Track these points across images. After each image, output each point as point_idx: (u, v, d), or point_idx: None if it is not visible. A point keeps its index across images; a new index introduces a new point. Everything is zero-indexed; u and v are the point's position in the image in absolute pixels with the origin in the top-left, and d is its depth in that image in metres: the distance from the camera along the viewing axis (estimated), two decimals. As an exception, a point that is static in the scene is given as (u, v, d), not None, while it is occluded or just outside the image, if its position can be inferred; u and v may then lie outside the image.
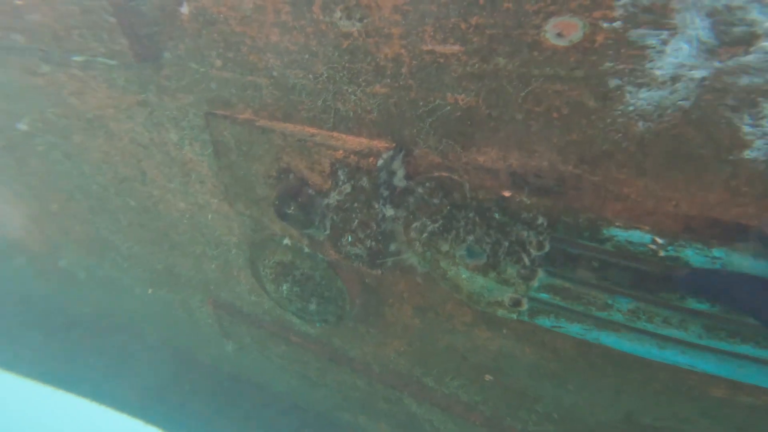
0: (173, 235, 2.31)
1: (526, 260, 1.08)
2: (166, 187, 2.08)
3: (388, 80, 1.22)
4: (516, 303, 1.17)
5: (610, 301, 1.01)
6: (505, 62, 0.99)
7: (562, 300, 1.10)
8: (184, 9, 1.45)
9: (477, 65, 1.04)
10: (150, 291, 2.84)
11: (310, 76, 1.35)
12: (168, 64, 1.63)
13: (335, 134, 1.41)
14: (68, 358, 3.68)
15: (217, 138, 1.62)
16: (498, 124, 1.09)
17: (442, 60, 1.08)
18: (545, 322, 1.18)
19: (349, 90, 1.30)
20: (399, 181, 1.31)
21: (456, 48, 1.06)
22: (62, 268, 3.27)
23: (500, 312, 1.23)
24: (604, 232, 0.94)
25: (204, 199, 2.02)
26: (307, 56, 1.31)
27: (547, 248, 1.04)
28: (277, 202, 1.49)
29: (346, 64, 1.26)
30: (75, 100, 2.04)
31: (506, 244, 1.09)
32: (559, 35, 0.88)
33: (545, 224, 1.01)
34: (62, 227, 2.88)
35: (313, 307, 1.84)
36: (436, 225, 1.22)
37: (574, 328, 1.13)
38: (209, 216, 2.07)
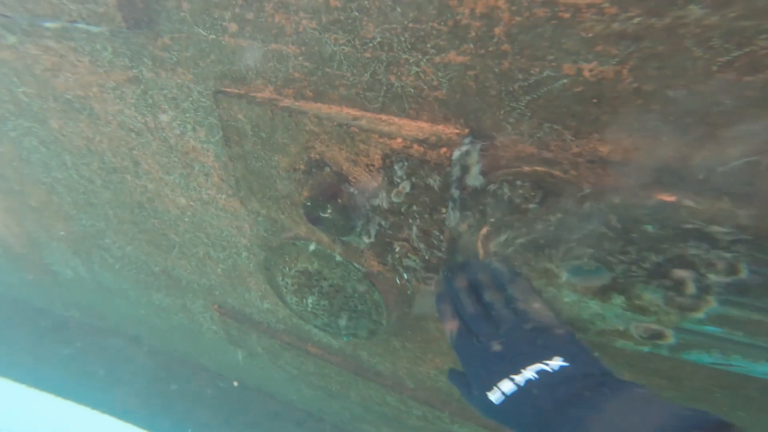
0: (172, 234, 2.00)
1: (692, 288, 0.79)
2: (164, 180, 1.76)
3: (471, 45, 0.91)
4: (656, 336, 0.89)
5: None
6: (700, 12, 0.69)
7: (745, 335, 0.82)
8: (186, -47, 1.12)
9: (636, 20, 0.73)
10: (150, 297, 2.55)
11: (357, 41, 1.03)
12: (167, 30, 1.29)
13: (384, 117, 1.10)
14: (58, 362, 3.41)
15: (228, 122, 1.30)
16: (650, 102, 0.79)
17: (567, 14, 0.77)
18: (703, 358, 0.89)
19: (411, 59, 0.99)
20: (474, 179, 1.01)
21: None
22: (47, 268, 2.95)
23: (621, 343, 0.95)
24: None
25: (209, 195, 1.70)
26: (355, 14, 0.99)
27: (744, 274, 0.74)
28: (309, 204, 1.18)
29: (410, 24, 0.95)
30: (50, 77, 1.69)
31: (656, 263, 0.80)
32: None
33: (744, 241, 0.72)
34: (44, 224, 2.56)
35: (343, 322, 1.56)
36: (533, 237, 0.92)
37: (760, 368, 0.85)
38: (215, 214, 1.77)
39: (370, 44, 1.02)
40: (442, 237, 1.06)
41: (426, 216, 1.05)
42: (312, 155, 1.19)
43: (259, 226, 1.66)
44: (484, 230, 1.00)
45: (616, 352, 1.07)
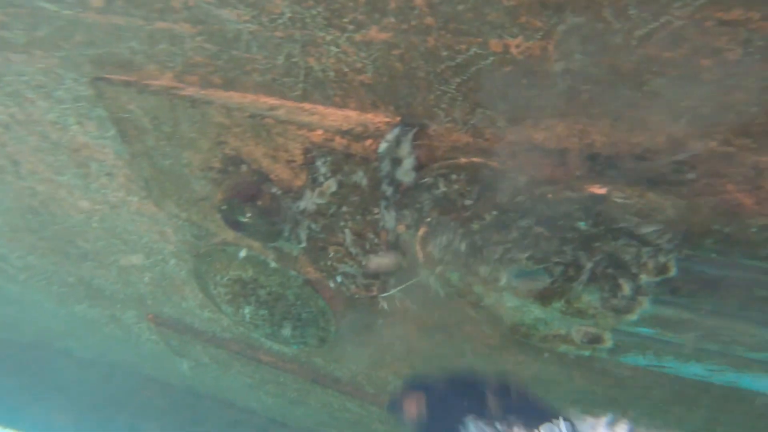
0: (80, 242, 1.76)
1: (627, 288, 0.73)
2: (55, 181, 1.52)
3: (392, 19, 0.78)
4: (594, 339, 0.84)
5: None
6: None
7: (675, 335, 0.78)
8: None
9: None
10: (71, 308, 2.29)
11: (264, 18, 0.87)
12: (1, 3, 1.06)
13: (307, 106, 0.96)
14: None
15: (119, 114, 1.11)
16: (578, 83, 0.71)
17: None
18: (638, 360, 0.86)
19: (328, 38, 0.85)
20: (406, 174, 0.90)
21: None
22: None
23: (564, 348, 0.90)
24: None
25: (117, 197, 1.49)
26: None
27: (673, 272, 0.69)
28: (224, 207, 1.03)
29: (321, -6, 0.80)
30: None
31: (590, 265, 0.74)
32: None
33: (673, 237, 0.67)
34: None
35: (287, 332, 1.43)
36: (471, 239, 0.84)
37: (691, 369, 0.82)
38: (129, 218, 1.56)
39: (280, 21, 0.87)
40: (377, 240, 0.95)
41: (358, 217, 0.94)
42: (226, 151, 1.03)
43: (184, 231, 1.48)
44: (422, 231, 0.91)
45: (563, 356, 1.03)
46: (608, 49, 0.67)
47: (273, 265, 1.25)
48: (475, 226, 0.82)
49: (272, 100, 0.97)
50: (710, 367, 0.80)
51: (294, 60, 0.91)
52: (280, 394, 2.05)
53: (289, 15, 0.85)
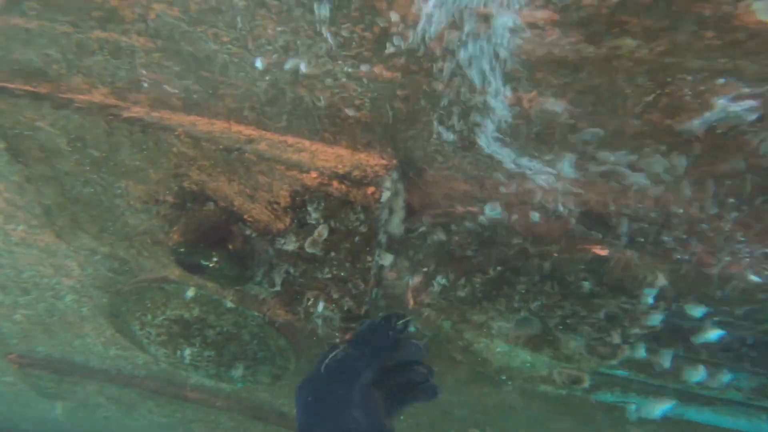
0: None
1: (616, 337, 0.79)
2: None
3: (403, 59, 0.73)
4: (575, 381, 0.89)
5: (725, 379, 0.81)
6: (632, 43, 0.63)
7: (647, 377, 0.85)
8: None
9: (577, 47, 0.65)
10: None
11: (249, 44, 0.76)
12: None
13: (291, 139, 0.86)
14: None
15: (18, 131, 0.89)
16: (585, 142, 0.74)
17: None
18: (607, 397, 0.93)
19: (326, 70, 0.77)
20: (396, 226, 0.86)
21: (542, 15, 0.65)
22: None
23: (543, 388, 0.94)
24: None
25: None
26: (240, 2, 0.71)
27: (659, 325, 0.76)
28: (183, 250, 0.87)
29: (320, 25, 0.72)
30: None
31: (586, 318, 0.78)
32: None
33: (665, 297, 0.73)
34: None
35: (238, 372, 1.28)
36: (471, 290, 0.83)
37: (650, 403, 0.91)
38: (4, 249, 1.29)
39: (269, 46, 0.76)
40: (365, 288, 0.89)
41: (347, 264, 0.87)
42: (186, 185, 0.88)
43: (98, 265, 1.24)
44: (417, 280, 0.87)
45: (525, 389, 1.09)
46: (616, 111, 0.71)
47: (229, 305, 1.10)
48: (478, 279, 0.82)
49: (249, 130, 0.85)
50: (664, 402, 0.91)
51: (281, 87, 0.81)
52: (210, 432, 1.84)
53: (281, 42, 0.75)
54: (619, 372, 0.88)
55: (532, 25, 0.64)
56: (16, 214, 1.18)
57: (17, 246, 1.29)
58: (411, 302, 0.90)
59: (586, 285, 0.75)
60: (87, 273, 1.28)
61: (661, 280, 0.73)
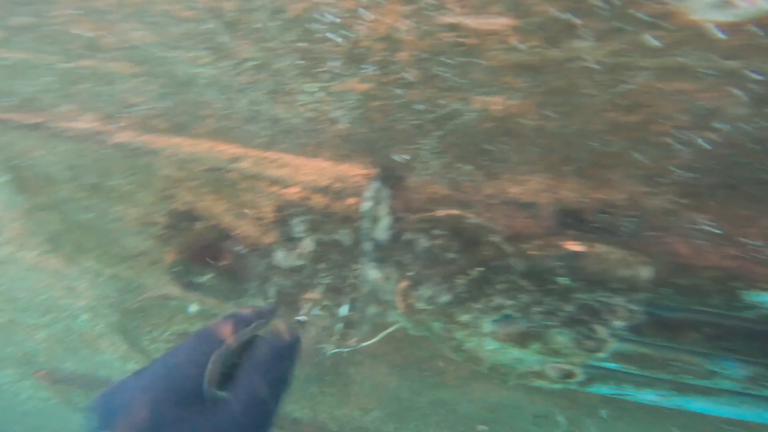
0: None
1: (601, 332, 0.79)
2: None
3: (372, 71, 0.75)
4: (567, 375, 0.90)
5: (713, 368, 0.81)
6: (590, 46, 0.64)
7: (638, 369, 0.86)
8: None
9: (538, 51, 0.66)
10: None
11: (226, 63, 0.78)
12: None
13: (273, 155, 0.88)
14: None
15: (18, 162, 0.93)
16: (553, 140, 0.74)
17: (472, 40, 0.67)
18: (602, 390, 0.94)
19: (301, 87, 0.79)
20: (382, 232, 0.88)
21: (502, 21, 0.66)
22: None
23: (538, 383, 0.95)
24: (747, 298, 0.71)
25: (4, 253, 1.27)
26: (212, 25, 0.74)
27: (640, 319, 0.76)
28: (178, 269, 0.91)
29: (297, 44, 0.74)
30: None
31: (567, 313, 0.79)
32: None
33: (642, 290, 0.74)
34: None
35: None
36: (456, 292, 0.84)
37: (646, 395, 0.91)
38: (18, 276, 1.34)
39: (246, 67, 0.78)
40: (355, 294, 0.91)
41: (335, 272, 0.89)
42: (176, 206, 0.91)
43: (104, 287, 1.29)
44: (403, 284, 0.89)
45: (525, 384, 1.09)
46: (580, 110, 0.72)
47: (228, 318, 1.14)
48: (461, 280, 0.83)
49: (232, 149, 0.88)
50: (661, 393, 0.91)
51: (260, 107, 0.83)
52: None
53: (258, 62, 0.77)
54: (611, 364, 0.88)
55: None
56: (26, 241, 1.24)
57: (30, 271, 1.35)
58: (401, 306, 0.92)
59: (563, 281, 0.76)
60: (96, 293, 1.33)
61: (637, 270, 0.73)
